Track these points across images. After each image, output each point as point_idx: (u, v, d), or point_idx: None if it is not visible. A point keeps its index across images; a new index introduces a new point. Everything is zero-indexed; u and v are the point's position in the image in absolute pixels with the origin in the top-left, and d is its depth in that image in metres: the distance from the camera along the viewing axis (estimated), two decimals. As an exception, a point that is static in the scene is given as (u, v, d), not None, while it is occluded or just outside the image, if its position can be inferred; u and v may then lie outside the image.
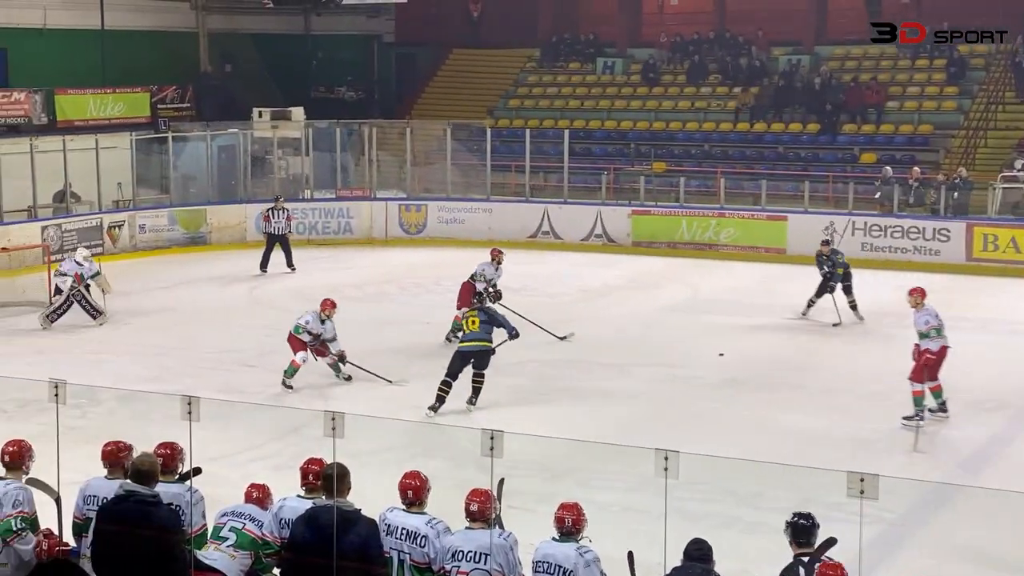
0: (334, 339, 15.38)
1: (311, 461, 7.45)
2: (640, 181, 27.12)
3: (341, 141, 28.50)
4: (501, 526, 7.12)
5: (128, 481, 7.08)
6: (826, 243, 20.24)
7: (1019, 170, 24.91)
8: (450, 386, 14.11)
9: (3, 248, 21.06)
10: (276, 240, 23.70)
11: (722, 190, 26.25)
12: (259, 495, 7.52)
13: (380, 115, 32.69)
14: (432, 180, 28.95)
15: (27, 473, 7.61)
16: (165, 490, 7.18)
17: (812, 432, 13.37)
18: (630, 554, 6.94)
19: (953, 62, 29.29)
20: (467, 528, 6.95)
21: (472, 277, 17.85)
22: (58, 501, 7.66)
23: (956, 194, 24.49)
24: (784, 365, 16.46)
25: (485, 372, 14.30)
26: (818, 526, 6.74)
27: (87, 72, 29.85)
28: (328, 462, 7.12)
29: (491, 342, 14.33)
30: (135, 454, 7.40)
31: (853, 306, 19.00)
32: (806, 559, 6.65)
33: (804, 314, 19.32)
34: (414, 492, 7.11)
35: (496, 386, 15.21)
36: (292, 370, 15.14)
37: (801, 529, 6.74)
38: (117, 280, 20.41)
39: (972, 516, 10.27)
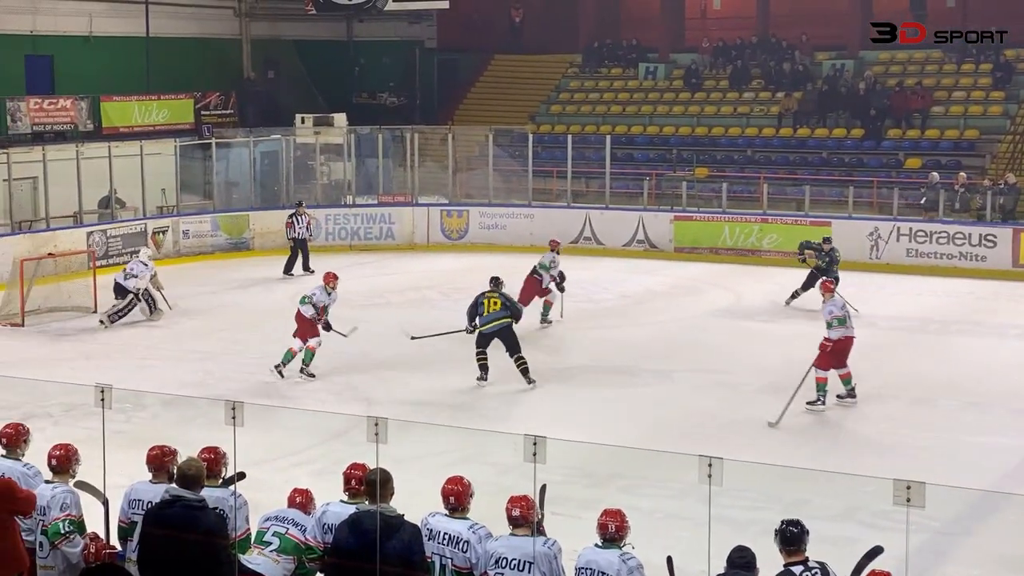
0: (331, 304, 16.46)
1: (354, 466, 7.45)
2: (682, 187, 27.02)
3: (383, 147, 28.58)
4: (543, 533, 7.09)
5: (174, 486, 7.12)
6: (827, 240, 20.79)
7: (1067, 175, 24.64)
8: (485, 353, 15.40)
9: (50, 254, 21.24)
10: (299, 245, 24.03)
11: (765, 196, 26.13)
12: (302, 500, 7.55)
13: (422, 121, 32.78)
14: (474, 186, 28.98)
15: (74, 477, 7.68)
16: (210, 494, 7.22)
17: (860, 439, 13.27)
18: (669, 559, 6.90)
19: (999, 66, 29.03)
20: (511, 534, 6.93)
21: (535, 271, 18.98)
22: (105, 504, 7.71)
23: (1002, 199, 24.26)
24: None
25: (521, 351, 15.37)
26: (807, 532, 6.63)
27: (132, 79, 30.12)
28: (371, 467, 7.12)
29: (511, 318, 15.42)
30: (180, 459, 7.43)
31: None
32: (797, 568, 6.55)
33: (788, 303, 20.17)
34: (456, 497, 7.10)
35: (539, 391, 15.22)
36: (310, 355, 15.94)
37: (791, 537, 6.65)
38: (164, 285, 20.59)
39: (1018, 526, 10.15)
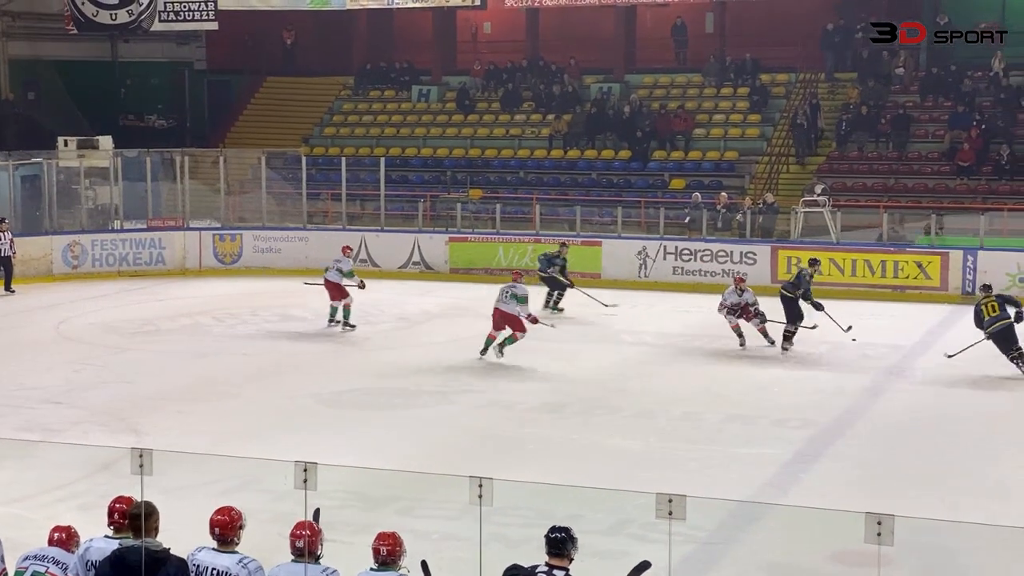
0: (351, 274, 20.43)
1: (118, 499, 7.21)
2: (457, 208, 27.27)
3: (152, 170, 27.84)
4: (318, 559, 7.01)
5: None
6: (564, 246, 22.95)
7: (819, 194, 25.86)
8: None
9: None
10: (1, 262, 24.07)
11: (537, 216, 26.59)
12: (63, 536, 7.26)
13: (192, 143, 32.16)
14: (247, 209, 28.57)
15: None
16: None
17: (631, 454, 13.60)
18: (423, 563, 6.92)
19: (756, 90, 30.31)
20: (292, 561, 6.81)
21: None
22: None
23: (762, 218, 25.32)
24: (601, 388, 16.68)
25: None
26: (574, 540, 6.78)
27: None
28: (137, 500, 6.92)
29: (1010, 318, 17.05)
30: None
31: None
32: (558, 573, 6.68)
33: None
34: (223, 529, 6.91)
35: (313, 415, 15.08)
36: (348, 311, 20.35)
37: (554, 540, 6.79)
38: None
39: (779, 532, 10.59)
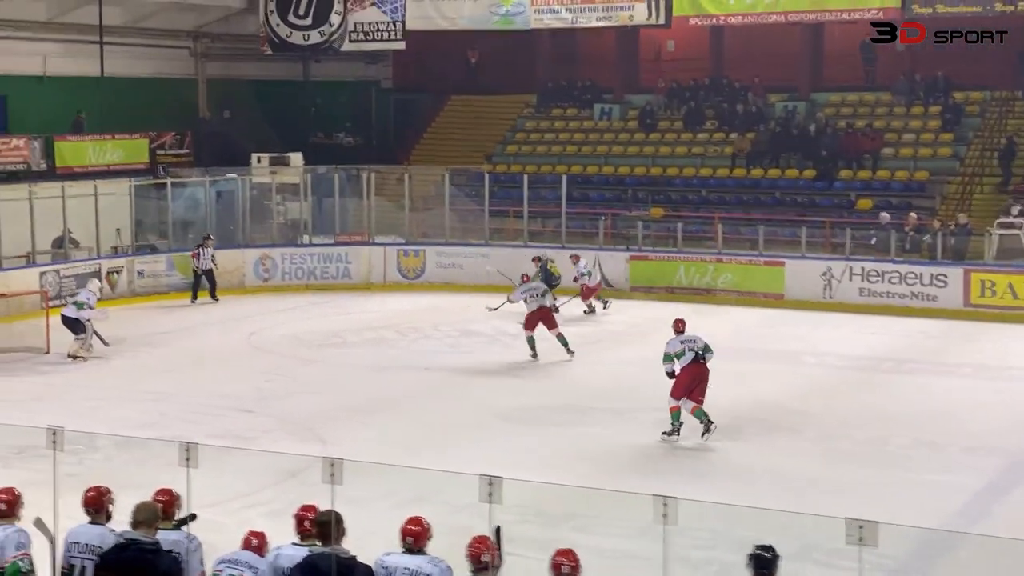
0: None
1: (305, 508, 7.41)
2: (638, 226, 27.17)
3: (340, 186, 28.58)
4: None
5: (128, 529, 7.06)
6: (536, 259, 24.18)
7: (1015, 216, 24.97)
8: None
9: (1, 294, 21.08)
10: (204, 275, 25.02)
11: (719, 235, 26.32)
12: (257, 543, 7.48)
13: (378, 160, 32.79)
14: (430, 225, 29.01)
15: (20, 520, 7.61)
16: (164, 537, 7.16)
17: (813, 477, 13.34)
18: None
19: (948, 109, 29.46)
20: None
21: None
22: (52, 543, 7.64)
23: (953, 240, 24.56)
24: (782, 410, 16.42)
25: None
26: (779, 558, 6.67)
27: (87, 118, 29.98)
28: (322, 508, 7.09)
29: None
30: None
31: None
32: None
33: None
34: (415, 537, 7.05)
35: (493, 431, 15.21)
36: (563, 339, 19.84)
37: (763, 561, 6.68)
38: (115, 325, 20.44)
39: (971, 564, 10.23)
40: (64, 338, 19.55)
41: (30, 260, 24.51)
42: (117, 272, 25.45)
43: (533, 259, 24.35)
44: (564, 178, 28.24)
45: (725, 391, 17.28)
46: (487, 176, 28.68)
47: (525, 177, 28.46)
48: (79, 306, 19.40)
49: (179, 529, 7.44)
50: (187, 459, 7.11)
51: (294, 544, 7.38)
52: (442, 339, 21.66)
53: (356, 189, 29.05)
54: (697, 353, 14.96)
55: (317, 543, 7.17)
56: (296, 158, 29.60)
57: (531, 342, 19.48)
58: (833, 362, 19.66)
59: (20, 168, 27.47)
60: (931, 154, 29.02)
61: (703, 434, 14.74)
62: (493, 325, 21.82)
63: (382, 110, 36.55)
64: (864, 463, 14.02)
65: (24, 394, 17.40)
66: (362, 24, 32.29)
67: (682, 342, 15.15)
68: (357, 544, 7.09)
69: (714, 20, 30.61)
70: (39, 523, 7.64)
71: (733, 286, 25.29)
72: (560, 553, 6.92)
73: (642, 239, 26.87)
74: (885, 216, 25.74)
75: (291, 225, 29.15)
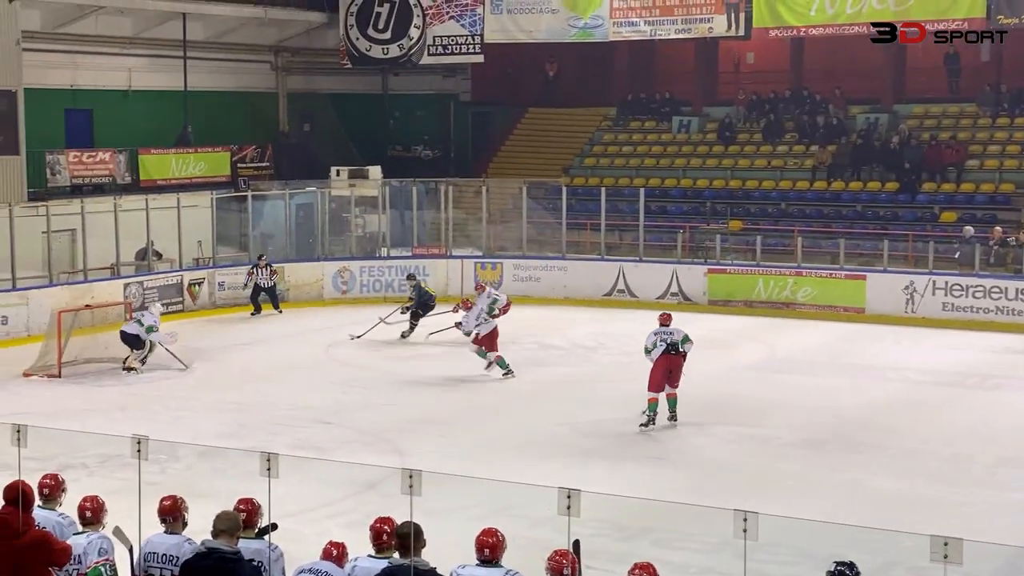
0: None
1: (381, 520, 7.41)
2: (716, 239, 26.99)
3: (417, 199, 28.73)
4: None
5: (210, 538, 7.14)
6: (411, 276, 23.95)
7: (1104, 229, 24.46)
8: None
9: (87, 305, 21.41)
10: (264, 291, 25.39)
11: (799, 249, 26.05)
12: (337, 553, 7.52)
13: (456, 173, 32.95)
14: (507, 238, 29.05)
15: (104, 527, 7.73)
16: (245, 546, 7.22)
17: (895, 494, 13.14)
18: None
19: (1035, 120, 28.97)
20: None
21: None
22: (131, 551, 7.75)
23: (1039, 254, 24.11)
24: (864, 425, 16.21)
25: None
26: (860, 575, 6.57)
27: (170, 132, 30.47)
28: (397, 520, 7.10)
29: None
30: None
31: None
32: None
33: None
34: (491, 549, 7.04)
35: (571, 445, 15.18)
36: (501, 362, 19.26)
37: None
38: (196, 337, 20.70)
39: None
40: (125, 351, 19.90)
41: (114, 272, 24.93)
42: (199, 284, 25.80)
43: (408, 276, 24.67)
44: (642, 191, 28.13)
45: (804, 404, 17.13)
46: (564, 189, 28.67)
47: (603, 190, 28.38)
48: (148, 330, 19.63)
49: (260, 538, 7.49)
50: (268, 469, 7.16)
51: (370, 556, 7.39)
52: (520, 352, 21.64)
53: (434, 202, 29.18)
54: (669, 345, 15.92)
55: (395, 555, 7.18)
56: (375, 171, 29.84)
57: (502, 362, 19.25)
58: (916, 377, 19.37)
59: (106, 181, 27.98)
60: (1017, 166, 28.52)
61: (644, 424, 15.71)
62: (569, 338, 21.75)
63: (460, 123, 36.69)
64: (947, 480, 13.78)
65: (108, 404, 17.67)
66: (441, 37, 32.49)
67: (655, 334, 16.09)
68: (435, 556, 7.09)
69: (795, 32, 30.35)
70: (117, 531, 7.75)
71: (813, 300, 25.01)
72: (639, 567, 6.86)
73: (720, 252, 26.69)
74: (969, 229, 25.33)
75: (369, 238, 29.35)
